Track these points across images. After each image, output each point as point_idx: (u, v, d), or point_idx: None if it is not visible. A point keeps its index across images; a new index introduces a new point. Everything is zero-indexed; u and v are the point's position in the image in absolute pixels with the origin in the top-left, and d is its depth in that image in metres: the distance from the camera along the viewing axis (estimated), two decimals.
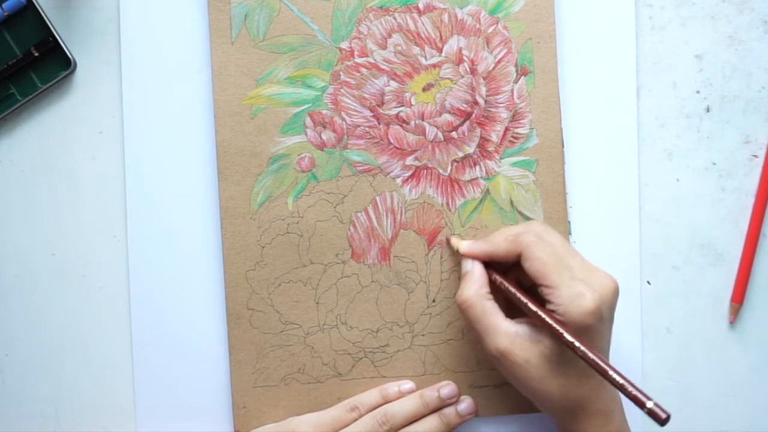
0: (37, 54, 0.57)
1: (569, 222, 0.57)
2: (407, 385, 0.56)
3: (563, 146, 0.57)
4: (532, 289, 0.51)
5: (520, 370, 0.50)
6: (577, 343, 0.48)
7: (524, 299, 0.51)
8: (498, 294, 0.52)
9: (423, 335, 0.57)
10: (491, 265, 0.53)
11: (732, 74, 0.58)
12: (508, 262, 0.53)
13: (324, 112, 0.56)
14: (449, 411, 0.56)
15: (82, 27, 0.58)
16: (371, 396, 0.56)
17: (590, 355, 0.47)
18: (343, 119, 0.56)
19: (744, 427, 0.58)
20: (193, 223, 0.57)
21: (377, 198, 0.57)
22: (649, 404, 0.46)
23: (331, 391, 0.57)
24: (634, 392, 0.46)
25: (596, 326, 0.49)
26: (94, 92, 0.58)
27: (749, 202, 0.58)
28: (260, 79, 0.56)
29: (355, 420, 0.55)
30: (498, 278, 0.53)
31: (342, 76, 0.56)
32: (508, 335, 0.50)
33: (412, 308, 0.57)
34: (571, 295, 0.48)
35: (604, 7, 0.58)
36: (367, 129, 0.57)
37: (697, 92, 0.59)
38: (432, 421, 0.55)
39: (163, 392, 0.57)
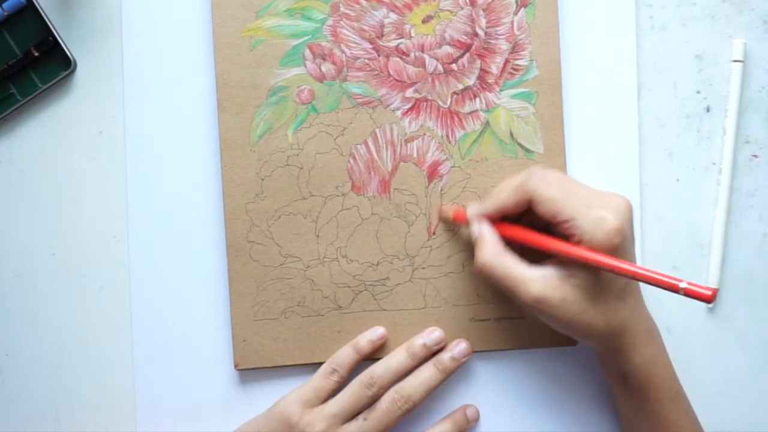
0: (37, 54, 0.57)
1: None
2: (377, 332, 0.56)
3: (561, 78, 0.57)
4: (546, 230, 0.51)
5: (560, 310, 0.49)
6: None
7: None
8: (512, 246, 0.52)
9: (423, 268, 0.57)
10: (498, 222, 0.53)
11: (732, 74, 0.58)
12: (515, 214, 0.52)
13: (323, 44, 0.56)
14: (443, 357, 0.55)
15: (82, 27, 0.58)
16: (346, 354, 0.55)
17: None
18: (343, 51, 0.56)
19: (744, 427, 0.58)
20: (193, 223, 0.57)
21: (377, 130, 0.56)
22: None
23: (331, 324, 0.56)
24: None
25: (623, 245, 0.49)
26: (94, 92, 0.58)
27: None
28: (260, 11, 0.56)
29: (338, 383, 0.55)
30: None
31: (341, 8, 0.56)
32: (538, 280, 0.49)
33: (412, 241, 0.57)
34: (592, 221, 0.48)
35: (604, 7, 0.58)
36: (366, 61, 0.56)
37: (697, 92, 0.59)
38: (426, 371, 0.55)
39: (163, 392, 0.57)
